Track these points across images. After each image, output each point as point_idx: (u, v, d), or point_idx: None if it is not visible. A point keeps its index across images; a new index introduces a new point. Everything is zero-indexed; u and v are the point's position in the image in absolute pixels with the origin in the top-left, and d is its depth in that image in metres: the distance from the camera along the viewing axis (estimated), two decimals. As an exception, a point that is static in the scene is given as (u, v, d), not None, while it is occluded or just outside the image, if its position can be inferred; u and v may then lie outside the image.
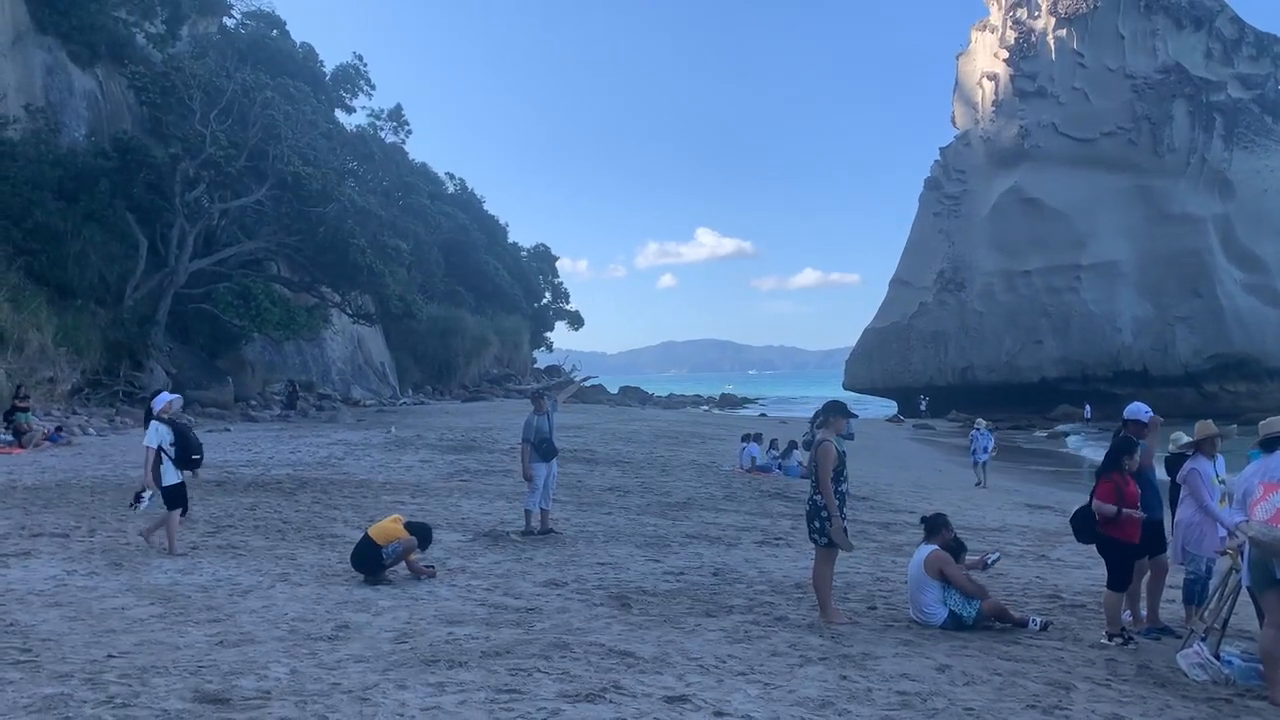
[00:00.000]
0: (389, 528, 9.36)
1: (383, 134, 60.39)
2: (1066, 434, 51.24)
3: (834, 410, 8.45)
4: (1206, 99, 66.61)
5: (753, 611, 8.39)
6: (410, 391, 51.75)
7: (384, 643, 6.92)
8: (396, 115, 61.50)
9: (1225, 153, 66.69)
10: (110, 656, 6.31)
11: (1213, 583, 7.86)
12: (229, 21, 49.45)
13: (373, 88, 54.98)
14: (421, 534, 9.56)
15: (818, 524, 8.06)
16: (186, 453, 10.36)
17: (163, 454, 10.19)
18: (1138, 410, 8.75)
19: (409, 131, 62.97)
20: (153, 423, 10.33)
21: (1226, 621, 7.45)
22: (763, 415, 60.02)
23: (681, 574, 10.05)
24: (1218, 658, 7.05)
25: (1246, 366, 64.40)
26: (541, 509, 12.14)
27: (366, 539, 9.23)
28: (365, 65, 54.27)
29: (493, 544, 11.30)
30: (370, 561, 9.10)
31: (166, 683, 5.76)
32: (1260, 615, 7.03)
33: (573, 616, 7.94)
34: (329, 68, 53.40)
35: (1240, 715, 6.23)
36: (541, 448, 12.11)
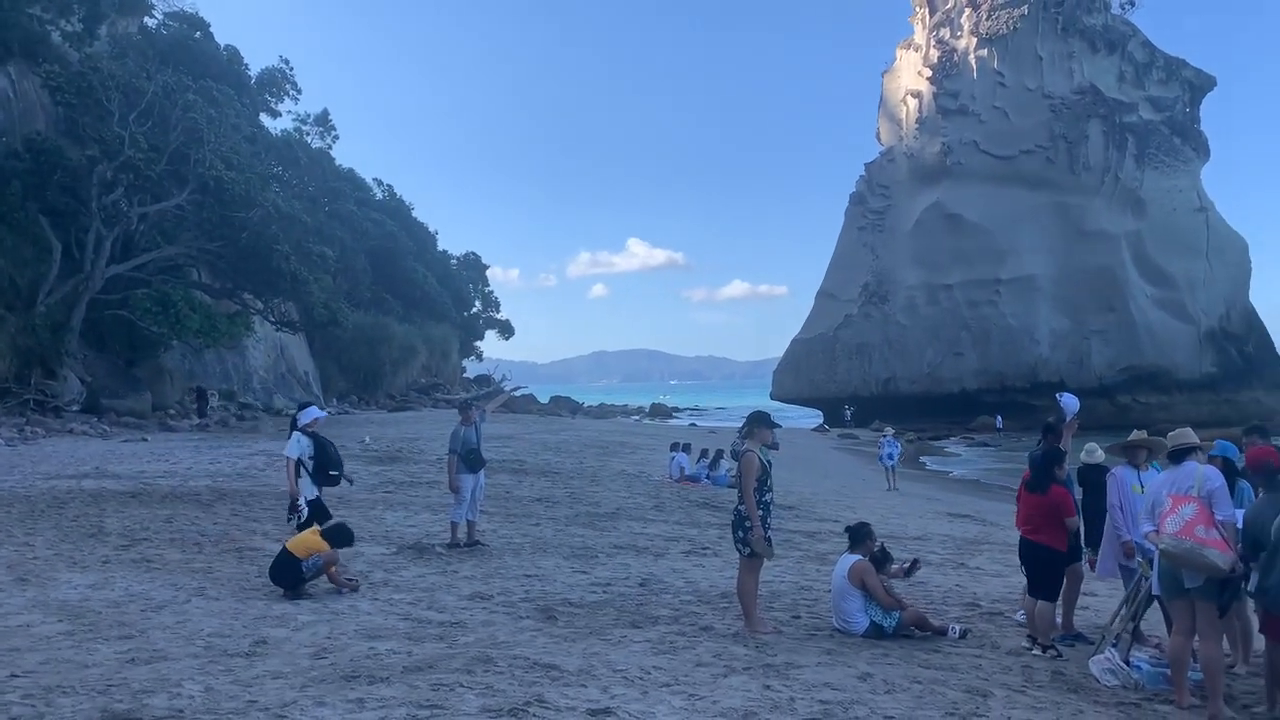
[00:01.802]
0: (308, 539, 9.19)
1: (309, 139, 59.61)
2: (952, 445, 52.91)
3: (758, 421, 8.53)
4: (1120, 120, 68.93)
5: (678, 622, 8.41)
6: (335, 401, 50.91)
7: (303, 658, 6.78)
8: (323, 120, 60.75)
9: (1137, 172, 69.04)
10: (14, 676, 6.08)
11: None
12: (150, 22, 48.33)
13: (299, 92, 54.29)
14: (339, 536, 9.41)
15: (741, 533, 8.12)
16: (325, 467, 10.13)
17: (302, 468, 10.00)
18: (1070, 402, 9.00)
19: (336, 136, 62.30)
20: (294, 434, 10.19)
21: (1136, 628, 7.68)
22: (693, 425, 60.32)
23: (608, 585, 10.04)
24: (1128, 663, 7.25)
25: (1158, 379, 66.63)
26: (468, 520, 12.03)
27: (285, 553, 9.04)
28: (291, 69, 53.52)
29: (417, 557, 11.16)
30: (290, 575, 8.92)
31: (73, 703, 5.57)
32: (1169, 622, 7.27)
33: (497, 630, 7.87)
34: (254, 71, 52.51)
35: (1148, 719, 6.43)
36: (469, 459, 11.99)
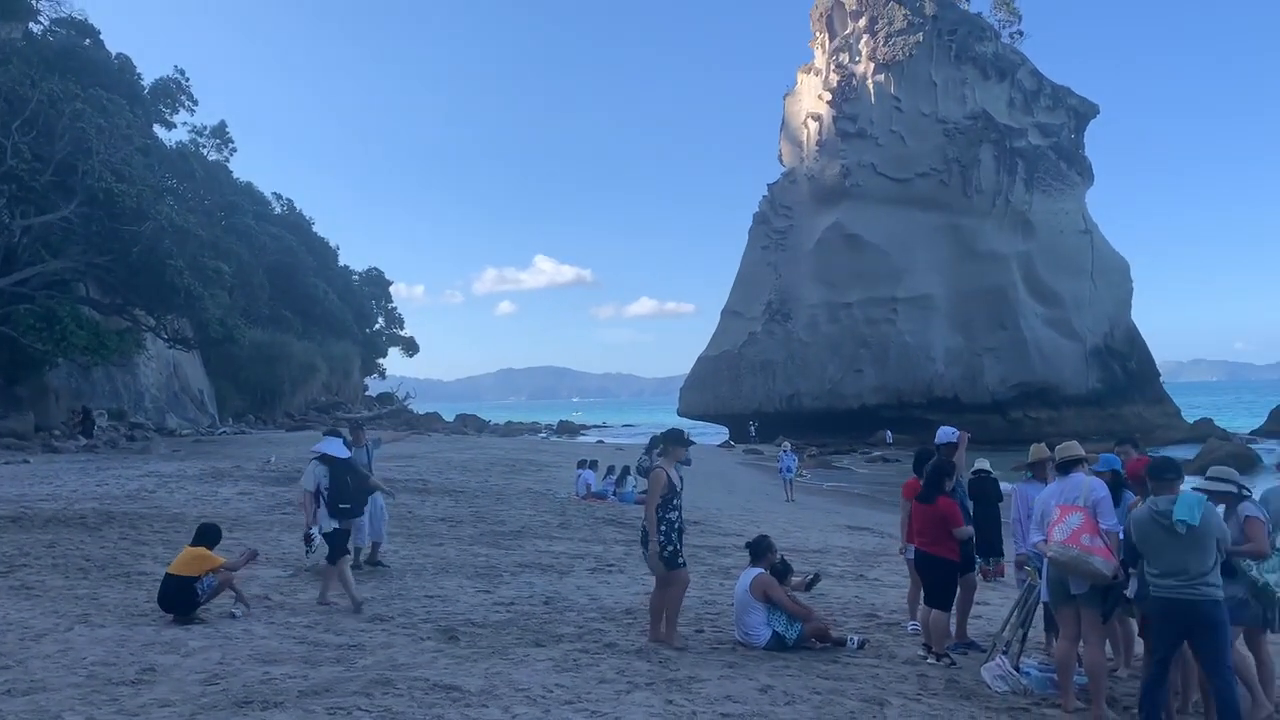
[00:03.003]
0: (197, 556, 8.91)
1: (205, 151, 57.94)
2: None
3: (672, 439, 8.61)
4: (1010, 145, 71.47)
5: (582, 639, 8.39)
6: (231, 420, 49.50)
7: (193, 685, 6.57)
8: (220, 132, 59.14)
9: (1026, 195, 71.65)
10: (-123, 712, 5.76)
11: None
12: (35, 28, 46.45)
13: (195, 103, 52.68)
14: (210, 534, 9.29)
15: (669, 550, 8.16)
16: (335, 500, 9.65)
17: (321, 499, 9.62)
18: (947, 433, 9.23)
19: (233, 149, 60.68)
20: (310, 464, 9.83)
21: (1026, 635, 7.93)
22: (600, 442, 60.29)
23: (512, 604, 9.96)
24: (1017, 669, 7.49)
25: (1047, 394, 69.05)
26: (372, 542, 11.81)
27: (172, 578, 8.73)
28: (187, 79, 51.96)
29: (315, 579, 10.88)
30: (184, 599, 8.63)
31: (-57, 738, 5.30)
32: (1055, 629, 7.54)
33: (397, 652, 7.74)
34: (147, 81, 50.88)
35: (1035, 723, 6.65)
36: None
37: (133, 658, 7.27)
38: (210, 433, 42.42)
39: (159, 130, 51.70)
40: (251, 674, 6.89)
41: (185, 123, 57.70)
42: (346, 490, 9.81)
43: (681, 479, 8.49)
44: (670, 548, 8.20)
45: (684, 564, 8.38)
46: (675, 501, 8.30)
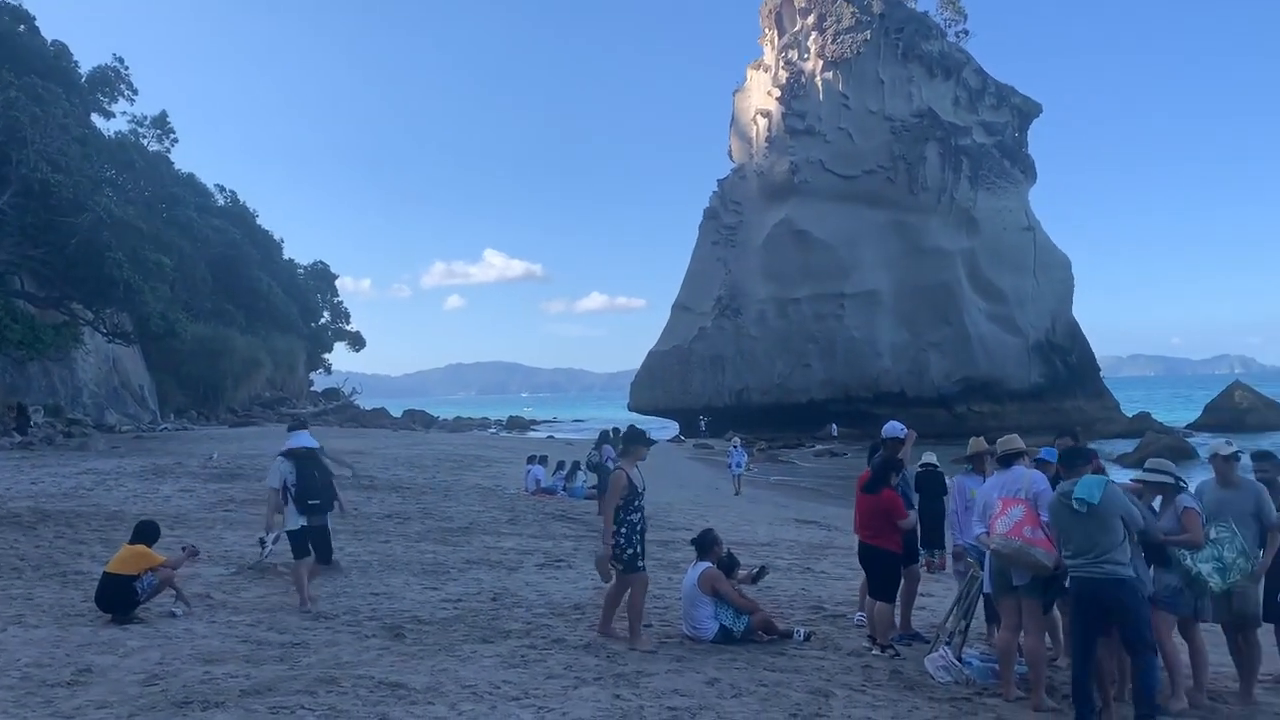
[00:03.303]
0: (136, 554, 8.74)
1: (145, 141, 56.66)
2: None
3: (633, 439, 8.55)
4: (955, 142, 72.41)
5: (530, 635, 8.37)
6: (172, 416, 48.56)
7: (131, 686, 6.44)
8: (161, 122, 57.80)
9: (971, 192, 72.65)
10: None
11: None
12: (-34, 13, 45.09)
13: (134, 92, 51.49)
14: (148, 531, 9.14)
15: (630, 552, 8.11)
16: (303, 496, 9.29)
17: (288, 495, 9.29)
18: (894, 428, 9.36)
19: (175, 140, 59.33)
20: (276, 460, 9.48)
21: (968, 626, 8.06)
22: (550, 437, 60.11)
23: (459, 601, 9.90)
24: (960, 660, 7.60)
25: (990, 389, 70.15)
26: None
27: (110, 577, 8.55)
28: (126, 68, 50.76)
29: (258, 577, 10.74)
30: (123, 599, 8.45)
31: None
32: (997, 620, 7.67)
33: (342, 649, 7.66)
34: (85, 69, 49.62)
35: (978, 713, 6.75)
36: None
37: (68, 659, 7.10)
38: (151, 429, 41.56)
39: (97, 120, 50.49)
40: (192, 674, 6.77)
41: (125, 112, 56.69)
42: (314, 485, 9.50)
43: (644, 479, 8.42)
44: (630, 550, 8.10)
45: (643, 567, 8.30)
46: (637, 503, 8.21)
